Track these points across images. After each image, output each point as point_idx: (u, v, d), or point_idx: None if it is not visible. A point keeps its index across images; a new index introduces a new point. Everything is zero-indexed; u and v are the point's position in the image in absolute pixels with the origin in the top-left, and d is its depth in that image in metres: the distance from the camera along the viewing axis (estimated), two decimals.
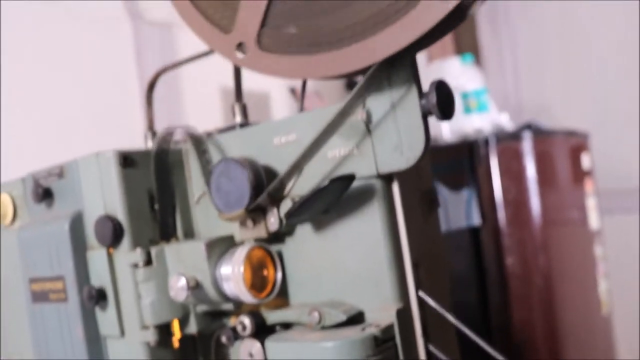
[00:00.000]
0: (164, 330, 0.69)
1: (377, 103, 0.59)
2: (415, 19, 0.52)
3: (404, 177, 0.62)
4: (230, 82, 0.78)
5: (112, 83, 1.77)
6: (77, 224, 0.72)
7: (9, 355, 0.87)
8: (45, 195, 0.75)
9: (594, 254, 1.88)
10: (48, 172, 0.76)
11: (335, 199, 0.60)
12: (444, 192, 1.65)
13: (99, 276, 0.71)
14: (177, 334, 0.71)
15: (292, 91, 2.07)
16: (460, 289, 1.66)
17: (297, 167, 0.61)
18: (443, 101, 0.56)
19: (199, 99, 1.97)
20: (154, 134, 0.84)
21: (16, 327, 0.84)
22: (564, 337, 1.69)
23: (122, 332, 0.70)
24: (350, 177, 0.59)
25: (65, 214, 0.73)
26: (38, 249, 0.75)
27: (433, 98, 0.56)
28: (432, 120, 0.58)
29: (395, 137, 0.58)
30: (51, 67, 1.67)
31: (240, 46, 0.62)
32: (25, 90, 1.62)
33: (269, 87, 2.26)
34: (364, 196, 0.61)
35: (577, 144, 1.91)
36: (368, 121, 0.59)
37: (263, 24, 0.60)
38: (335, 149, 0.61)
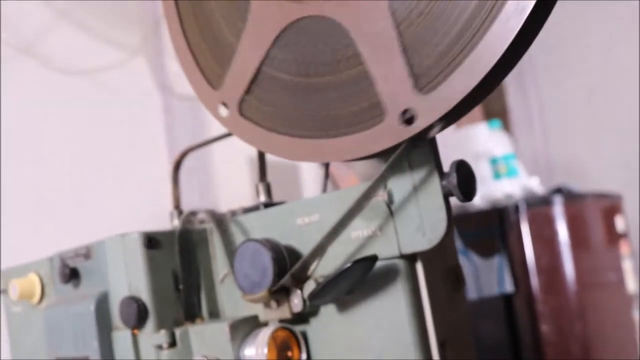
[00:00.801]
0: None
1: (399, 184, 0.59)
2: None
3: (428, 255, 0.61)
4: None
5: (142, 157, 1.79)
6: (102, 305, 0.72)
7: None
8: (72, 275, 0.76)
9: (633, 318, 1.83)
10: (75, 252, 0.77)
11: (359, 280, 0.60)
12: (474, 259, 1.64)
13: (124, 357, 0.71)
14: None
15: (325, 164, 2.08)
16: (495, 358, 1.63)
17: (320, 248, 0.61)
18: (463, 182, 0.56)
19: (229, 171, 1.98)
20: (180, 212, 0.84)
21: None
22: None
23: None
24: (373, 258, 0.58)
25: (91, 294, 0.73)
26: (64, 329, 0.75)
27: (454, 179, 0.56)
28: None
29: (417, 219, 0.58)
30: (80, 143, 1.70)
31: (224, 105, 0.63)
32: (53, 166, 1.64)
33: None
34: (387, 276, 0.60)
35: (610, 205, 1.88)
36: (390, 202, 0.59)
37: (248, 90, 0.62)
38: (358, 230, 0.61)
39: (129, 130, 1.79)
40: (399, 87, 0.54)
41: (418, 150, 0.57)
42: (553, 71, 2.82)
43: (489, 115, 2.77)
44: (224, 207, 0.79)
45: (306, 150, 0.60)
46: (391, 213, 0.59)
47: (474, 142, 1.93)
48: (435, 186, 0.57)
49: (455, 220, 1.41)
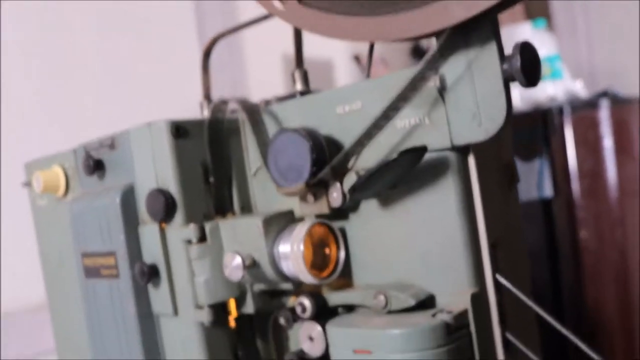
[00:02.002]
0: (219, 310, 0.65)
1: (452, 68, 0.52)
2: None
3: (482, 149, 0.56)
4: (291, 48, 0.73)
5: (172, 49, 1.73)
6: (128, 198, 0.68)
7: (61, 330, 0.85)
8: (96, 167, 0.72)
9: None
10: (99, 143, 0.73)
11: (405, 173, 0.55)
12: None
13: (151, 252, 0.67)
14: (233, 313, 0.67)
15: (356, 58, 2.01)
16: (531, 263, 1.59)
17: (364, 139, 0.55)
18: (528, 65, 0.50)
19: (261, 66, 1.92)
20: (210, 102, 0.79)
21: (70, 301, 0.81)
22: (639, 315, 1.60)
23: (176, 311, 0.67)
24: (422, 149, 0.53)
25: (117, 187, 0.69)
26: (90, 223, 0.71)
27: (517, 62, 0.49)
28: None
29: (472, 106, 0.52)
30: (107, 33, 1.65)
31: None
32: (80, 56, 1.60)
33: (332, 54, 2.20)
34: (436, 170, 0.55)
35: None
36: (442, 88, 0.53)
37: None
38: (405, 119, 0.56)
39: (159, 20, 1.72)
40: None
41: (476, 30, 0.51)
42: None
43: (531, 16, 2.66)
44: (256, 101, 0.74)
45: (369, 29, 0.54)
46: (443, 100, 0.53)
47: (517, 41, 1.84)
48: (494, 70, 0.50)
49: None
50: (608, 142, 1.58)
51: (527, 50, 0.50)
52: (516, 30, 1.89)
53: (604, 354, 0.52)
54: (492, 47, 0.51)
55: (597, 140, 1.58)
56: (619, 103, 1.65)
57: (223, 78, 1.74)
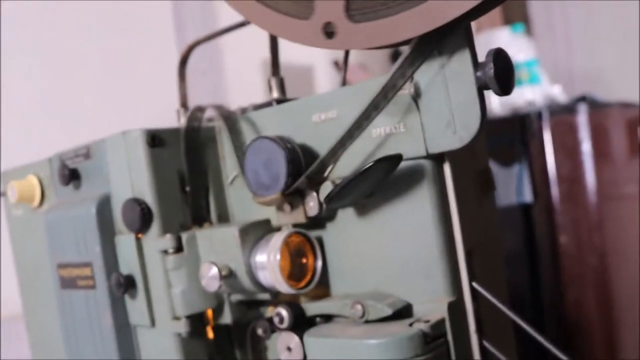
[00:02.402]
0: (197, 321, 0.65)
1: (427, 75, 0.52)
2: None
3: (457, 156, 0.56)
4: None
5: (150, 56, 1.72)
6: (104, 208, 0.68)
7: (37, 341, 0.84)
8: (72, 176, 0.71)
9: None
10: (75, 152, 0.72)
11: (381, 182, 0.55)
12: (494, 168, 1.58)
13: (127, 263, 0.66)
14: (210, 323, 0.67)
15: (335, 64, 2.01)
16: (511, 269, 1.59)
17: (339, 147, 0.55)
18: (502, 73, 0.49)
19: (241, 72, 1.92)
20: (187, 110, 0.79)
21: (46, 313, 0.81)
22: (619, 319, 1.61)
23: (153, 322, 0.66)
24: (397, 158, 0.53)
25: (93, 197, 0.68)
26: (65, 234, 0.71)
27: (490, 69, 0.49)
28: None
29: (447, 114, 0.52)
30: (86, 39, 1.63)
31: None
32: (57, 62, 1.58)
33: (312, 59, 2.20)
34: (412, 178, 0.55)
35: (634, 116, 1.81)
36: (416, 96, 0.53)
37: None
38: (380, 127, 0.55)
39: (137, 26, 1.72)
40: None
41: (449, 37, 0.51)
42: None
43: (509, 21, 2.67)
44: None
45: (249, 9, 0.56)
46: (418, 107, 0.53)
47: (495, 46, 1.84)
48: (468, 77, 0.50)
49: None
50: (586, 147, 1.59)
51: (500, 58, 0.50)
52: (494, 35, 1.91)
53: (583, 357, 0.52)
54: (466, 55, 0.51)
55: (575, 145, 1.59)
56: (597, 107, 1.66)
57: (202, 84, 1.73)
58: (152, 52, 1.73)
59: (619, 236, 1.66)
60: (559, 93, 1.83)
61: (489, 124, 1.60)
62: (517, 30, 1.91)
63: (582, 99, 1.71)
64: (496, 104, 1.77)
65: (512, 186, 1.58)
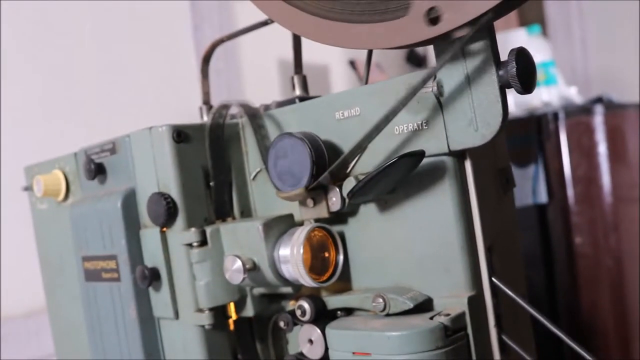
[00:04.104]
0: (220, 313, 0.66)
1: (450, 74, 0.53)
2: None
3: (478, 154, 0.57)
4: (287, 53, 0.74)
5: (168, 55, 1.74)
6: (129, 202, 0.69)
7: (61, 334, 0.85)
8: (97, 171, 0.73)
9: None
10: (100, 147, 0.73)
11: (403, 178, 0.56)
12: None
13: (152, 256, 0.68)
14: (233, 316, 0.68)
15: (352, 63, 2.01)
16: (526, 269, 1.60)
17: (362, 145, 0.56)
18: (524, 72, 0.51)
19: (258, 71, 1.93)
20: (209, 107, 0.80)
21: (70, 305, 0.82)
22: (635, 320, 1.61)
23: (176, 314, 0.67)
24: (420, 154, 0.54)
25: (118, 191, 0.70)
26: (90, 227, 0.72)
27: (513, 68, 0.50)
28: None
29: (469, 112, 0.53)
30: (107, 39, 1.65)
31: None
32: (80, 63, 1.60)
33: (328, 59, 2.21)
34: (434, 174, 0.56)
35: None
36: (439, 94, 0.54)
37: None
38: (402, 124, 0.57)
39: (156, 27, 1.73)
40: None
41: (472, 37, 0.52)
42: None
43: (525, 22, 2.67)
44: None
45: (333, 33, 0.55)
46: (440, 105, 0.54)
47: (512, 47, 1.85)
48: (490, 76, 0.51)
49: None
50: (602, 148, 1.59)
51: (522, 57, 0.51)
52: (511, 37, 1.91)
53: (598, 358, 0.53)
54: (488, 54, 0.52)
55: (591, 146, 1.59)
56: (613, 109, 1.66)
57: (219, 83, 1.74)
58: (169, 51, 1.74)
59: (635, 238, 1.66)
60: (575, 94, 1.83)
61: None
62: (533, 31, 1.91)
63: (599, 100, 1.71)
64: (512, 104, 1.77)
65: (527, 186, 1.58)
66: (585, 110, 1.61)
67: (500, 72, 0.51)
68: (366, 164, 0.59)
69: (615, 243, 1.60)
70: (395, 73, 1.58)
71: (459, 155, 0.56)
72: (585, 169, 1.58)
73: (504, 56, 0.52)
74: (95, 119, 1.59)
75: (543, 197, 1.58)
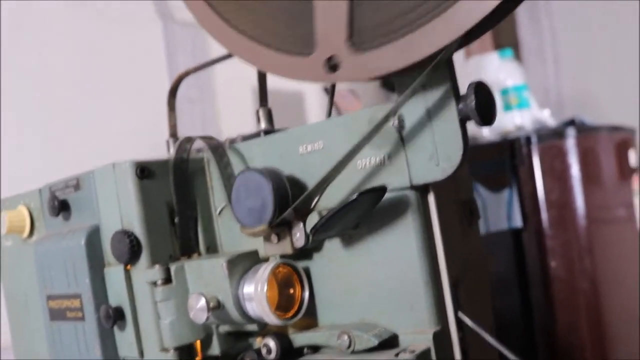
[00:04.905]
0: (185, 352, 0.65)
1: (411, 108, 0.53)
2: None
3: (441, 187, 0.57)
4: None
5: (142, 85, 1.73)
6: (93, 239, 0.68)
7: None
8: (61, 208, 0.72)
9: None
10: (65, 183, 0.72)
11: (366, 213, 0.56)
12: (483, 193, 1.59)
13: (116, 294, 0.67)
14: (199, 355, 0.67)
15: (326, 90, 2.02)
16: (502, 293, 1.60)
17: (325, 181, 0.56)
18: (483, 105, 0.51)
19: (232, 100, 1.93)
20: (176, 140, 0.80)
21: (35, 344, 0.80)
22: (611, 342, 1.61)
23: (141, 354, 0.66)
24: (381, 190, 0.54)
25: (82, 228, 0.69)
26: (55, 265, 0.71)
27: (472, 102, 0.50)
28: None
29: (430, 146, 0.53)
30: (81, 69, 1.65)
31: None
32: (53, 94, 1.59)
33: (304, 86, 2.22)
34: (397, 209, 0.56)
35: (623, 139, 1.83)
36: (400, 128, 0.54)
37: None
38: (365, 159, 0.56)
39: (129, 58, 1.73)
40: (333, 32, 0.51)
41: (432, 72, 0.52)
42: (566, 1, 2.73)
43: (499, 45, 2.69)
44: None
45: (242, 48, 0.59)
46: (402, 140, 0.54)
47: (485, 71, 1.87)
48: (451, 110, 0.52)
49: None
50: (575, 171, 1.60)
51: (481, 90, 0.51)
52: (484, 61, 1.92)
53: None
54: (448, 88, 0.52)
55: (564, 170, 1.60)
56: (585, 131, 1.67)
57: (193, 112, 1.74)
58: (143, 80, 1.74)
59: (610, 260, 1.67)
60: (548, 117, 1.85)
61: (478, 150, 1.62)
62: (505, 56, 1.92)
63: (571, 122, 1.72)
64: (486, 128, 1.78)
65: (502, 211, 1.59)
66: (558, 133, 1.62)
67: (460, 106, 0.51)
68: (330, 199, 0.59)
69: (590, 265, 1.60)
70: (370, 99, 1.59)
71: (422, 189, 0.56)
72: (559, 193, 1.59)
73: (487, 78, 0.52)
74: (68, 151, 1.58)
75: (518, 221, 1.58)
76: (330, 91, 0.69)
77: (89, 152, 1.57)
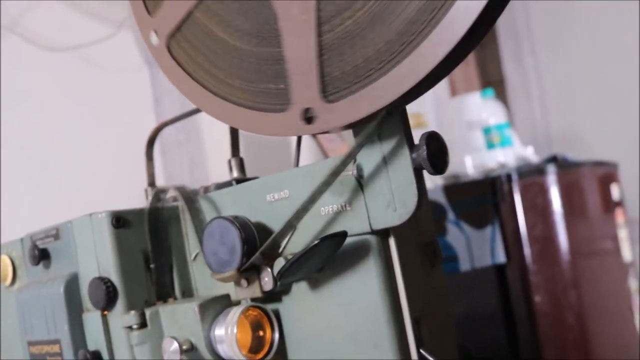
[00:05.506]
0: None
1: (368, 157, 0.56)
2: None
3: (403, 230, 0.59)
4: None
5: (130, 132, 1.77)
6: (72, 286, 0.70)
7: None
8: (42, 256, 0.74)
9: (628, 287, 1.82)
10: (45, 233, 0.75)
11: (328, 257, 0.58)
12: (467, 230, 1.62)
13: (94, 339, 0.69)
14: None
15: (313, 135, 2.05)
16: (488, 329, 1.61)
17: (289, 226, 0.59)
18: (434, 154, 0.54)
19: (220, 144, 1.96)
20: (154, 189, 0.82)
21: None
22: None
23: None
24: (342, 235, 0.56)
25: (61, 276, 0.71)
26: (35, 312, 0.73)
27: (423, 152, 0.53)
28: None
29: (387, 193, 0.55)
30: (68, 117, 1.68)
31: (155, 32, 0.59)
32: (38, 141, 1.62)
33: None
34: (359, 252, 0.58)
35: (606, 174, 1.86)
36: (359, 176, 0.57)
37: (179, 27, 0.59)
38: (328, 205, 0.59)
39: (116, 105, 1.76)
40: (306, 86, 0.54)
41: (387, 122, 0.55)
42: (550, 39, 2.78)
43: (487, 83, 2.74)
44: (214, 181, 0.77)
45: (214, 106, 0.62)
46: (361, 187, 0.57)
47: (467, 111, 1.90)
48: (405, 159, 0.54)
49: (447, 191, 1.39)
50: (557, 206, 1.62)
51: (433, 140, 0.54)
52: (466, 100, 1.96)
53: None
54: (402, 137, 0.55)
55: (545, 206, 1.62)
56: (567, 167, 1.70)
57: (181, 155, 1.77)
58: (130, 125, 1.77)
59: (596, 293, 1.68)
60: (531, 154, 1.88)
61: (461, 188, 1.64)
62: (487, 95, 1.96)
63: (552, 159, 1.75)
64: (470, 166, 1.81)
65: (486, 248, 1.61)
66: (539, 170, 1.65)
67: (413, 155, 0.54)
68: (297, 244, 0.61)
69: (575, 299, 1.61)
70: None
71: (383, 233, 0.58)
72: (541, 228, 1.61)
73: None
74: (53, 197, 1.60)
75: (501, 257, 1.60)
76: (297, 142, 0.72)
77: (81, 200, 1.60)
